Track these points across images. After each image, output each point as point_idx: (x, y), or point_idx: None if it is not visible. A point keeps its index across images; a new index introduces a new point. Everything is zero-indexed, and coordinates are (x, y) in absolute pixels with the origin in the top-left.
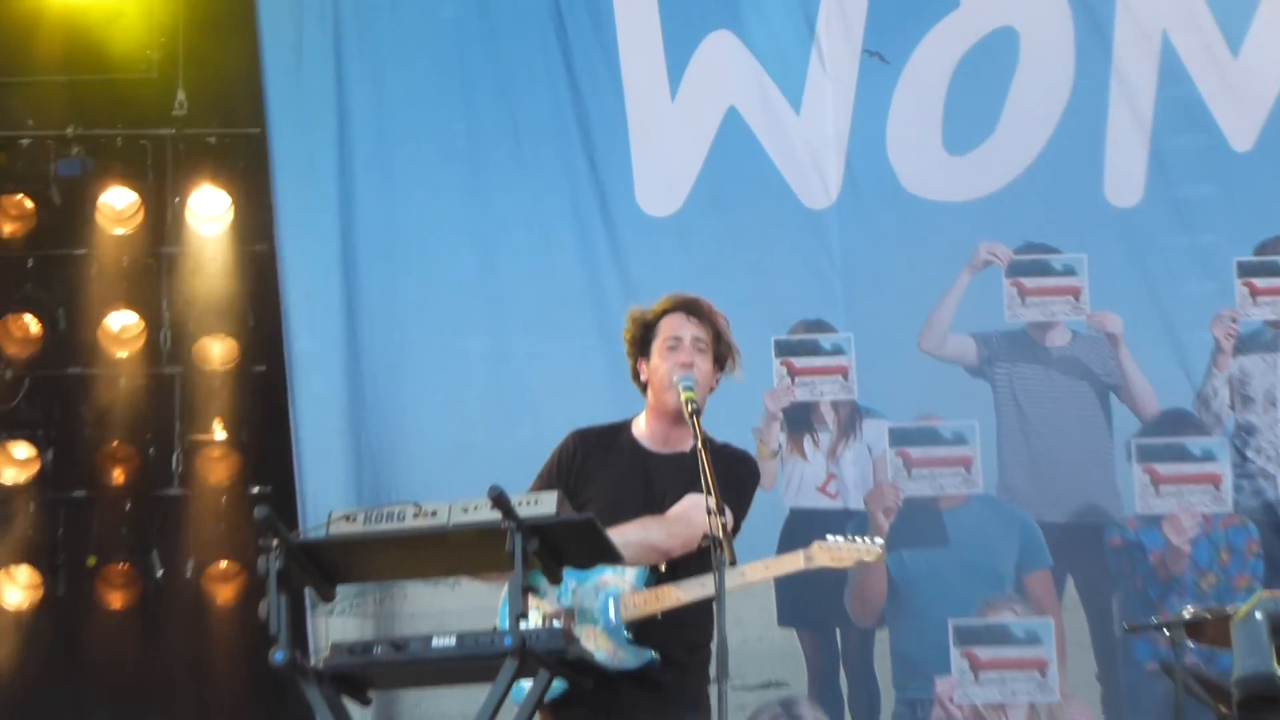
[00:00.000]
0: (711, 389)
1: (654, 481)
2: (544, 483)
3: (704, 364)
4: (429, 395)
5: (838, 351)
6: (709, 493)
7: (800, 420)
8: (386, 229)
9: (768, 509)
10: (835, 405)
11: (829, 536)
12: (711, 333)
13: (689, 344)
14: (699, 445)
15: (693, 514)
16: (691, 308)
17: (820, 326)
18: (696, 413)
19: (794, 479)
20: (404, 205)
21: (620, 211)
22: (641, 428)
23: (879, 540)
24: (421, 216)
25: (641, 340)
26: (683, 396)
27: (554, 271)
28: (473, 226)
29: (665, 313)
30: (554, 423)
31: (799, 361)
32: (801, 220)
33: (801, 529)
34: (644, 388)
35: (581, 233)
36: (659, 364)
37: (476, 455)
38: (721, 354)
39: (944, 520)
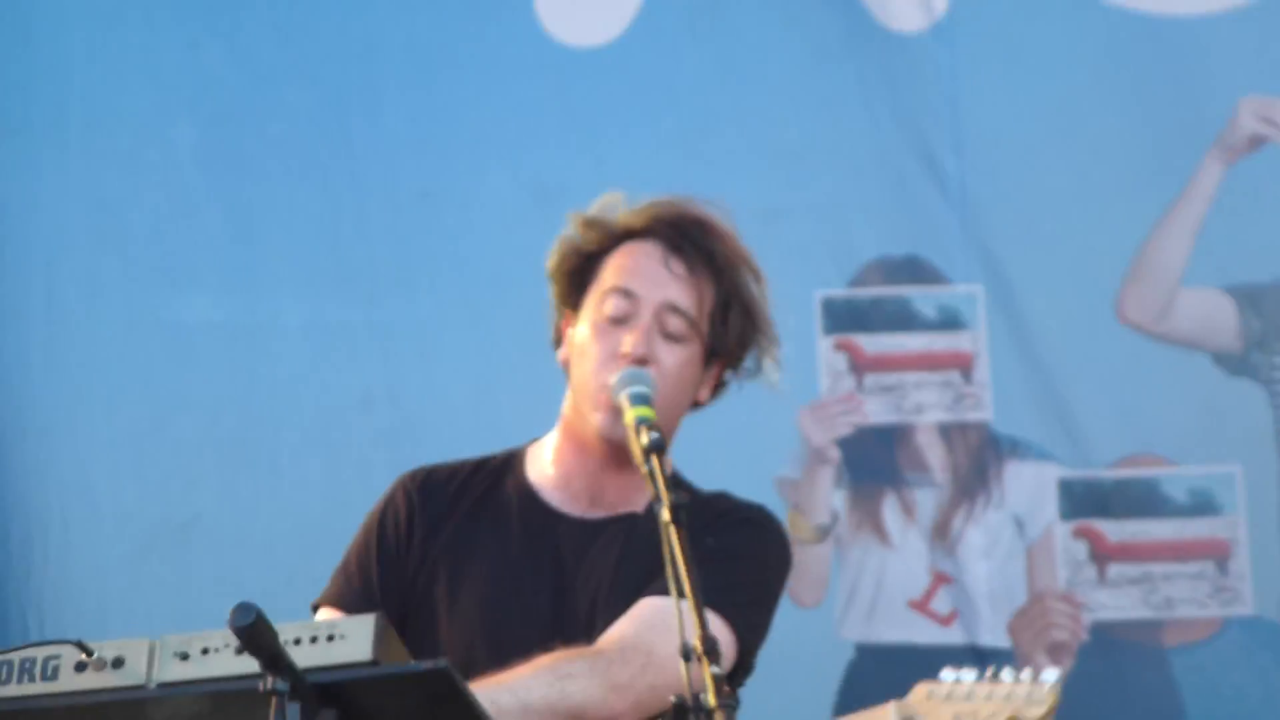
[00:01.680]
0: (698, 404)
1: (575, 575)
2: (346, 587)
3: (675, 357)
4: (122, 407)
5: (952, 323)
6: (682, 596)
7: (876, 464)
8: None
9: (811, 644)
10: (946, 432)
11: (946, 673)
12: (714, 291)
13: (650, 315)
14: (663, 512)
15: (654, 641)
16: (678, 228)
17: (916, 271)
18: (657, 449)
19: (864, 586)
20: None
21: (511, 40)
22: (546, 468)
23: (1051, 674)
24: (101, 50)
25: (576, 280)
26: (629, 415)
27: (368, 165)
28: (197, 77)
29: (631, 233)
30: (383, 468)
31: (872, 342)
32: (878, 55)
33: (879, 682)
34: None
35: (427, 84)
36: (588, 344)
37: (206, 533)
38: (730, 337)
39: (1174, 670)
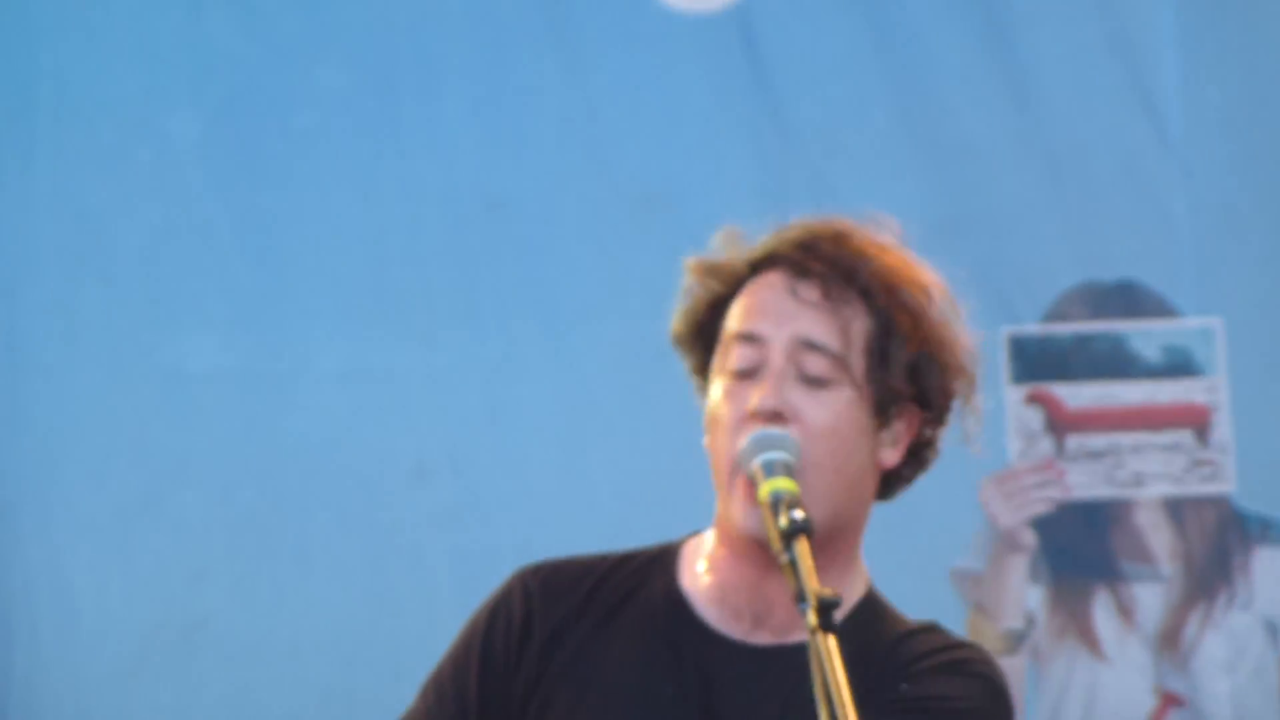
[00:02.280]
0: (888, 471)
1: (729, 716)
2: (436, 705)
3: (822, 407)
4: (107, 478)
5: (1182, 368)
6: None
7: (1083, 552)
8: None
9: None
10: (1176, 510)
11: None
12: (866, 316)
13: (781, 357)
14: (809, 615)
15: None
16: (805, 247)
17: (1133, 301)
18: (803, 530)
19: (1070, 708)
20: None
21: (604, 4)
22: (701, 573)
23: None
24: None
25: (703, 341)
26: (762, 490)
27: (422, 167)
28: (201, 54)
29: (755, 267)
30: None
31: (1075, 393)
32: (1074, 30)
33: None
34: None
35: (496, 63)
36: (718, 409)
37: (215, 640)
38: (896, 375)
39: None
